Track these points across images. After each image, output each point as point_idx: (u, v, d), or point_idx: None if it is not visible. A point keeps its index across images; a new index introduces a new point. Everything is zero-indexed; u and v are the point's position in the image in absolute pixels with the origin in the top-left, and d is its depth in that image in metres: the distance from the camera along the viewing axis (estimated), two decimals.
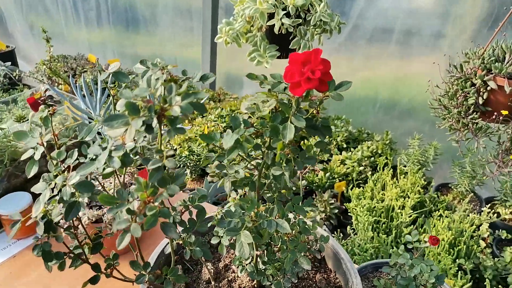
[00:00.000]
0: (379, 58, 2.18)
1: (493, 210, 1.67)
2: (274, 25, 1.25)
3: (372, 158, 1.90)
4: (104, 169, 0.46)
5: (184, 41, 2.77)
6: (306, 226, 0.61)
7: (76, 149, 0.50)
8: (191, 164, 1.96)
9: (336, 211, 1.65)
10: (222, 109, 2.26)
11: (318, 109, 0.46)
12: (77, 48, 3.04)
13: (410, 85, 2.19)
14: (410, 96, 2.20)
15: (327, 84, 0.40)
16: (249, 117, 0.47)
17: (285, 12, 1.22)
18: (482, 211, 1.52)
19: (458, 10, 1.89)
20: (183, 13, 2.65)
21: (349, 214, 1.57)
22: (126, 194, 0.42)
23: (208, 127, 2.15)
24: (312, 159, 0.46)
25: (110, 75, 0.51)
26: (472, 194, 1.74)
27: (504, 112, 1.04)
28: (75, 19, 3.08)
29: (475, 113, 1.11)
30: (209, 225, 0.58)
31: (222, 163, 0.49)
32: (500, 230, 1.54)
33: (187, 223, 0.53)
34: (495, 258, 1.41)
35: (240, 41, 1.30)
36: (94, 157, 0.42)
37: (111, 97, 0.70)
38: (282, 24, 1.23)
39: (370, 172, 1.83)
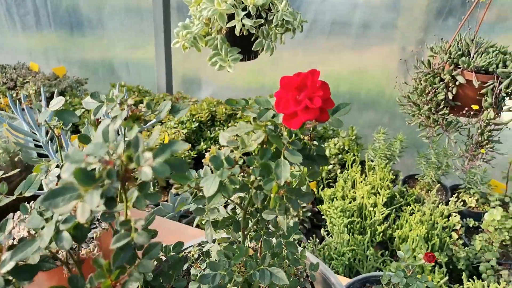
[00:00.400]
0: (337, 52, 2.17)
1: (459, 199, 1.71)
2: (234, 26, 1.16)
3: (340, 155, 1.88)
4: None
5: (135, 43, 2.61)
6: (295, 257, 0.55)
7: (12, 216, 0.40)
8: (153, 176, 1.84)
9: (309, 214, 1.61)
10: None
11: (311, 136, 0.39)
12: (17, 57, 2.78)
13: (367, 77, 2.20)
14: (367, 88, 2.21)
15: (328, 113, 0.33)
16: (231, 151, 0.39)
17: (246, 12, 1.15)
18: (449, 200, 1.54)
19: (408, 2, 1.92)
20: (132, 14, 2.49)
21: (322, 216, 1.53)
22: (82, 282, 0.32)
23: (168, 134, 2.04)
24: (308, 195, 0.39)
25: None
26: (439, 184, 1.76)
27: (475, 107, 1.03)
28: (9, 25, 2.81)
29: (445, 108, 1.10)
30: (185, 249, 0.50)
31: (201, 206, 0.41)
32: (467, 218, 1.57)
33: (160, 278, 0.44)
34: (466, 247, 1.43)
35: (199, 45, 1.21)
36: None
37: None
38: (243, 25, 1.16)
39: (339, 170, 1.81)
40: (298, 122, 0.31)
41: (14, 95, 2.21)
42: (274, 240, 0.52)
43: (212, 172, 0.38)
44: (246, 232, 0.45)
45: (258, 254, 0.53)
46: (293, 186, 0.42)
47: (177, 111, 0.35)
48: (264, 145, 0.37)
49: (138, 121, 0.32)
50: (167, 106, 0.34)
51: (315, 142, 0.40)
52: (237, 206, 0.46)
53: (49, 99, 2.35)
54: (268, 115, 0.36)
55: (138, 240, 0.29)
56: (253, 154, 0.38)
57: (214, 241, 0.50)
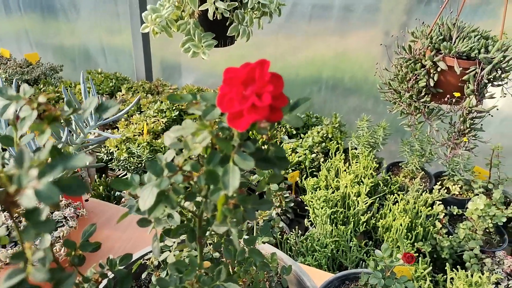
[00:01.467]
0: (319, 35, 2.12)
1: (443, 187, 1.69)
2: (207, 10, 1.10)
3: (323, 144, 1.84)
4: None
5: (111, 27, 2.50)
6: (265, 261, 0.50)
7: None
8: (132, 168, 1.79)
9: (292, 204, 1.58)
10: (162, 102, 2.08)
11: (269, 134, 0.34)
12: None
13: (350, 62, 2.16)
14: (351, 73, 2.17)
15: (281, 111, 0.28)
16: (177, 154, 0.34)
17: None
18: (433, 188, 1.52)
19: None
20: None
21: (305, 207, 1.50)
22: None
23: (147, 124, 1.97)
24: (267, 203, 0.34)
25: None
26: (422, 172, 1.74)
27: (457, 94, 1.00)
28: None
29: (426, 95, 1.06)
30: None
31: (146, 217, 0.36)
32: (451, 206, 1.55)
33: None
34: (449, 236, 1.42)
35: (170, 30, 1.14)
36: None
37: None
38: (217, 8, 1.09)
39: (322, 159, 1.77)
40: (245, 123, 0.27)
41: None
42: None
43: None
44: (203, 241, 0.40)
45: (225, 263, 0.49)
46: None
47: (105, 109, 0.30)
48: (212, 148, 0.32)
49: (55, 122, 0.26)
50: (92, 104, 0.29)
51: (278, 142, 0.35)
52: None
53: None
54: (215, 114, 0.31)
55: (34, 277, 0.24)
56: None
57: (167, 250, 0.45)
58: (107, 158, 1.82)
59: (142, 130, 1.93)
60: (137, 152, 1.77)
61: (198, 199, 0.38)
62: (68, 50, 2.71)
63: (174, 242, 0.45)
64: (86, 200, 1.22)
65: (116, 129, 1.94)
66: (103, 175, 1.74)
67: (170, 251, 0.45)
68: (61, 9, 2.53)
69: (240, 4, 1.14)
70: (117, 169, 1.84)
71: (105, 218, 1.19)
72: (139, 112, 2.07)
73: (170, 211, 0.40)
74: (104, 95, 2.15)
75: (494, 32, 1.03)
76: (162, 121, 1.99)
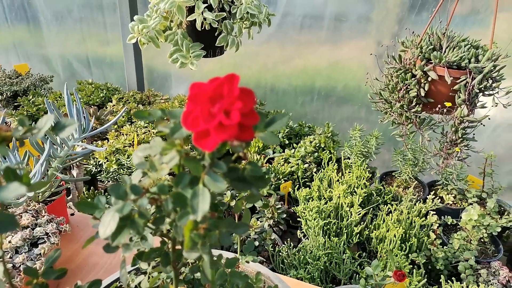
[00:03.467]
0: (312, 45, 2.11)
1: (437, 196, 1.68)
2: (195, 20, 1.09)
3: (316, 153, 1.82)
4: None
5: (99, 39, 2.49)
6: (249, 282, 0.48)
7: None
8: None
9: (284, 215, 1.55)
10: None
11: (246, 152, 0.32)
12: None
13: (343, 71, 2.16)
14: (344, 82, 2.17)
15: (252, 130, 0.26)
16: (145, 174, 0.31)
17: (207, 5, 1.07)
18: (427, 198, 1.51)
19: None
20: (92, 8, 2.36)
21: (298, 219, 1.47)
22: None
23: (138, 134, 1.94)
24: (244, 227, 0.32)
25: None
26: (416, 181, 1.73)
27: (448, 104, 0.99)
28: None
29: (418, 105, 1.05)
30: None
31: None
32: (445, 215, 1.54)
33: None
34: (444, 247, 1.39)
35: (157, 41, 1.12)
36: None
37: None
38: (205, 19, 1.08)
39: (315, 169, 1.76)
40: (212, 143, 0.25)
41: None
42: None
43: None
44: (178, 266, 0.38)
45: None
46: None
47: (62, 128, 0.28)
48: (182, 168, 0.30)
49: (4, 143, 0.24)
50: (48, 123, 0.27)
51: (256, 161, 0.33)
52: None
53: (10, 98, 2.22)
54: (183, 132, 0.29)
55: None
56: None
57: (144, 273, 0.42)
58: (96, 170, 1.78)
59: (133, 141, 1.90)
60: (127, 163, 1.74)
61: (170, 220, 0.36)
62: (57, 61, 2.69)
63: (149, 265, 0.43)
64: (72, 214, 1.18)
65: (106, 140, 1.92)
66: (92, 188, 1.71)
67: (145, 273, 0.42)
68: (46, 20, 2.51)
69: (229, 14, 1.13)
70: (106, 181, 1.80)
71: (91, 232, 1.16)
72: (129, 123, 2.05)
73: (144, 232, 0.38)
74: (93, 106, 2.12)
75: (484, 42, 1.03)
76: (153, 132, 1.96)
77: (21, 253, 0.84)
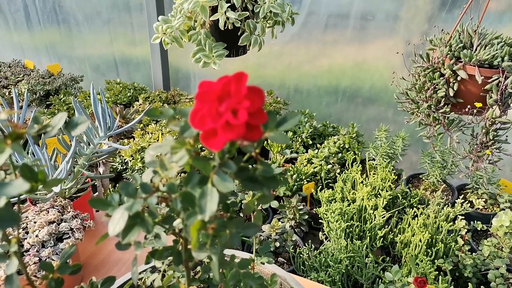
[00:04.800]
0: (337, 44, 2.08)
1: (466, 200, 1.61)
2: (218, 20, 1.09)
3: (340, 154, 1.79)
4: None
5: (126, 39, 2.55)
6: (263, 284, 0.47)
7: None
8: None
9: (306, 216, 1.53)
10: None
11: (257, 152, 0.31)
12: (12, 54, 2.75)
13: (370, 71, 2.11)
14: (371, 82, 2.12)
15: (261, 129, 0.26)
16: (156, 173, 0.31)
17: (230, 4, 1.07)
18: (455, 202, 1.45)
19: None
20: (120, 10, 2.42)
21: (320, 220, 1.45)
22: None
23: (163, 133, 1.97)
24: (254, 227, 0.31)
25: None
26: (444, 184, 1.67)
27: (478, 104, 0.94)
28: (2, 22, 2.77)
29: (446, 106, 1.01)
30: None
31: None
32: (475, 221, 1.47)
33: None
34: (473, 253, 1.34)
35: (181, 41, 1.14)
36: None
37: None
38: (228, 18, 1.08)
39: (338, 170, 1.73)
40: (219, 143, 0.24)
41: (7, 93, 2.17)
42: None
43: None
44: (190, 265, 0.38)
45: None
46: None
47: (75, 126, 0.28)
48: (192, 167, 0.30)
49: (18, 140, 0.25)
50: (61, 121, 0.27)
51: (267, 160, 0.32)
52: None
53: (43, 97, 2.30)
54: (193, 131, 0.28)
55: None
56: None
57: (157, 270, 0.43)
58: (122, 167, 1.83)
59: (158, 140, 1.93)
60: None
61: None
62: (85, 62, 2.77)
63: (163, 263, 0.43)
64: (97, 211, 1.22)
65: (132, 139, 1.96)
66: (117, 185, 1.75)
67: (159, 272, 0.43)
68: (75, 22, 2.59)
69: (252, 14, 1.13)
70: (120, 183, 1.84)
71: None
72: (155, 122, 2.08)
73: (157, 230, 0.38)
74: (121, 105, 2.17)
75: None
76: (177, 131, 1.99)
77: (47, 247, 0.86)
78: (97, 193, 1.52)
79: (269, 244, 0.50)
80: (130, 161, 1.80)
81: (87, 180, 1.14)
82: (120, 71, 2.68)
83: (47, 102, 2.22)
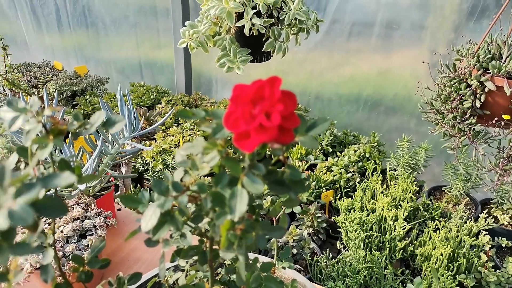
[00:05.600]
0: (360, 53, 2.07)
1: (490, 215, 1.57)
2: (244, 26, 1.10)
3: (360, 163, 1.77)
4: None
5: (151, 43, 2.60)
6: None
7: None
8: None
9: (324, 224, 1.52)
10: None
11: (285, 156, 0.32)
12: (42, 55, 2.85)
13: (394, 80, 2.09)
14: (394, 91, 2.10)
15: (292, 132, 0.26)
16: (186, 172, 0.32)
17: (255, 11, 1.08)
18: (479, 216, 1.41)
19: (437, 1, 1.80)
20: (147, 14, 2.48)
21: (338, 229, 1.44)
22: None
23: (183, 136, 2.00)
24: (280, 230, 0.32)
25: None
26: (467, 198, 1.63)
27: (506, 117, 0.92)
28: (35, 24, 2.88)
29: (472, 117, 0.99)
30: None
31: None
32: (500, 237, 1.43)
33: None
34: (497, 270, 1.30)
35: (206, 46, 1.15)
36: None
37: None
38: (253, 24, 1.09)
39: (358, 179, 1.71)
40: (252, 144, 0.25)
41: (36, 93, 2.25)
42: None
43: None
44: (214, 265, 0.38)
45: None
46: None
47: (112, 124, 0.29)
48: (222, 168, 0.30)
49: (60, 135, 0.26)
50: (99, 119, 0.28)
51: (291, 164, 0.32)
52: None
53: (70, 97, 2.37)
54: (225, 132, 0.29)
55: None
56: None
57: (182, 270, 0.43)
58: (143, 168, 1.86)
59: (178, 142, 1.96)
60: (172, 163, 1.80)
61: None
62: (111, 64, 2.84)
63: (187, 262, 0.44)
64: (119, 209, 1.24)
65: (154, 140, 1.99)
66: (138, 185, 1.78)
67: (183, 271, 0.43)
68: (103, 25, 2.66)
69: (277, 20, 1.14)
70: (152, 180, 1.87)
71: (135, 228, 1.20)
72: (176, 125, 2.11)
73: (183, 230, 0.39)
74: (144, 107, 2.21)
75: None
76: (198, 134, 2.01)
77: (71, 243, 0.89)
78: (118, 192, 1.55)
79: (290, 249, 0.50)
80: (151, 162, 1.83)
81: (110, 179, 1.17)
82: (144, 74, 2.73)
83: (73, 102, 2.28)
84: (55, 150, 0.99)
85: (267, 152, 0.32)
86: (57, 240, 0.88)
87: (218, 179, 0.29)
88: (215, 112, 0.30)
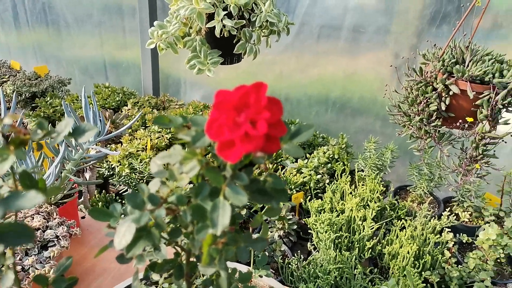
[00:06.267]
0: (329, 55, 2.10)
1: (452, 213, 1.63)
2: (214, 27, 1.08)
3: (329, 165, 1.80)
4: None
5: (117, 42, 2.52)
6: None
7: None
8: (133, 183, 1.75)
9: (295, 226, 1.53)
10: None
11: (267, 164, 0.30)
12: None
13: (360, 82, 2.14)
14: (360, 93, 2.15)
15: (278, 141, 0.25)
16: (163, 183, 0.30)
17: (227, 12, 1.07)
18: (442, 214, 1.47)
19: (401, 6, 1.86)
20: (112, 13, 2.40)
21: (309, 230, 1.45)
22: None
23: (151, 139, 1.95)
24: (262, 242, 0.31)
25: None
26: (431, 197, 1.69)
27: (469, 119, 0.96)
28: None
29: (438, 119, 1.03)
30: None
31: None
32: (461, 233, 1.49)
33: None
34: (459, 266, 1.35)
35: (176, 47, 1.13)
36: None
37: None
38: (224, 26, 1.08)
39: (327, 180, 1.73)
40: (236, 154, 0.23)
41: None
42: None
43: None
44: (191, 279, 0.37)
45: None
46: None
47: (81, 133, 0.27)
48: (202, 178, 0.29)
49: (22, 146, 0.23)
50: (67, 127, 0.26)
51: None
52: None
53: (29, 99, 2.25)
54: (205, 141, 0.27)
55: None
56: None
57: (155, 283, 0.41)
58: (109, 173, 1.79)
59: (146, 146, 1.91)
60: (139, 168, 1.74)
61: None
62: (74, 64, 2.73)
63: (161, 276, 0.42)
64: (83, 217, 1.18)
65: (120, 144, 1.92)
66: (104, 191, 1.71)
67: (156, 284, 0.41)
68: (65, 23, 2.56)
69: (248, 22, 1.13)
70: (118, 185, 1.81)
71: (101, 236, 1.16)
72: (143, 127, 2.05)
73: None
74: (109, 109, 2.14)
75: (509, 56, 1.00)
76: (166, 137, 1.96)
77: (31, 255, 0.83)
78: (82, 199, 1.48)
79: (266, 257, 0.49)
80: (117, 166, 1.77)
81: (73, 186, 1.11)
82: (109, 74, 2.64)
83: (33, 104, 2.17)
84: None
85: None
86: (16, 252, 0.83)
87: (198, 190, 0.28)
88: (194, 119, 0.28)
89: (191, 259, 0.36)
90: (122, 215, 0.32)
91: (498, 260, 1.42)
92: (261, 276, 0.50)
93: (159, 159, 0.30)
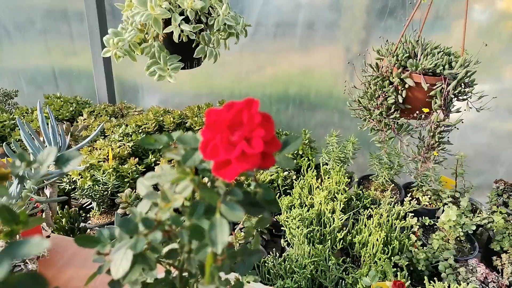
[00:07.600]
0: (285, 53, 2.14)
1: (413, 198, 1.72)
2: (172, 32, 1.07)
3: (295, 161, 1.83)
4: None
5: (64, 49, 2.40)
6: None
7: None
8: (97, 196, 1.69)
9: (268, 225, 1.54)
10: (127, 125, 2.00)
11: (256, 177, 0.31)
12: None
13: (315, 78, 2.19)
14: (316, 88, 2.20)
15: (273, 157, 0.25)
16: (154, 204, 0.30)
17: (183, 17, 1.05)
18: (404, 200, 1.54)
19: (348, 2, 1.92)
20: (57, 18, 2.29)
21: (281, 227, 1.47)
22: None
23: (113, 149, 1.88)
24: (258, 254, 0.31)
25: None
26: (392, 184, 1.77)
27: (425, 110, 1.01)
28: None
29: (396, 112, 1.08)
30: None
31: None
32: (423, 217, 1.58)
33: None
34: (424, 247, 1.43)
35: (134, 54, 1.10)
36: None
37: None
38: (182, 31, 1.06)
39: (294, 176, 1.76)
40: (233, 173, 0.23)
41: None
42: None
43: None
44: None
45: None
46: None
47: (66, 161, 0.26)
48: (193, 196, 0.29)
49: (3, 181, 0.22)
50: (50, 157, 0.25)
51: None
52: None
53: None
54: (196, 159, 0.27)
55: None
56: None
57: None
58: (70, 187, 1.71)
59: (107, 156, 1.84)
60: (102, 179, 1.68)
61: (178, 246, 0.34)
62: (20, 75, 2.57)
63: None
64: (48, 237, 1.13)
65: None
66: (66, 206, 1.64)
67: None
68: (6, 34, 2.40)
69: (206, 26, 1.12)
70: (81, 198, 1.73)
71: (69, 255, 1.11)
72: (103, 137, 1.98)
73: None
74: (64, 121, 2.04)
75: (444, 45, 1.07)
76: (128, 145, 1.91)
77: None
78: (43, 216, 1.41)
79: (253, 262, 0.49)
80: (79, 180, 1.69)
81: (35, 205, 1.05)
82: (59, 83, 2.51)
83: None
84: None
85: None
86: None
87: (193, 210, 0.27)
88: (182, 138, 0.28)
89: (184, 274, 0.36)
90: (111, 241, 0.31)
91: (458, 239, 1.52)
92: (249, 282, 0.50)
93: (147, 179, 0.30)
